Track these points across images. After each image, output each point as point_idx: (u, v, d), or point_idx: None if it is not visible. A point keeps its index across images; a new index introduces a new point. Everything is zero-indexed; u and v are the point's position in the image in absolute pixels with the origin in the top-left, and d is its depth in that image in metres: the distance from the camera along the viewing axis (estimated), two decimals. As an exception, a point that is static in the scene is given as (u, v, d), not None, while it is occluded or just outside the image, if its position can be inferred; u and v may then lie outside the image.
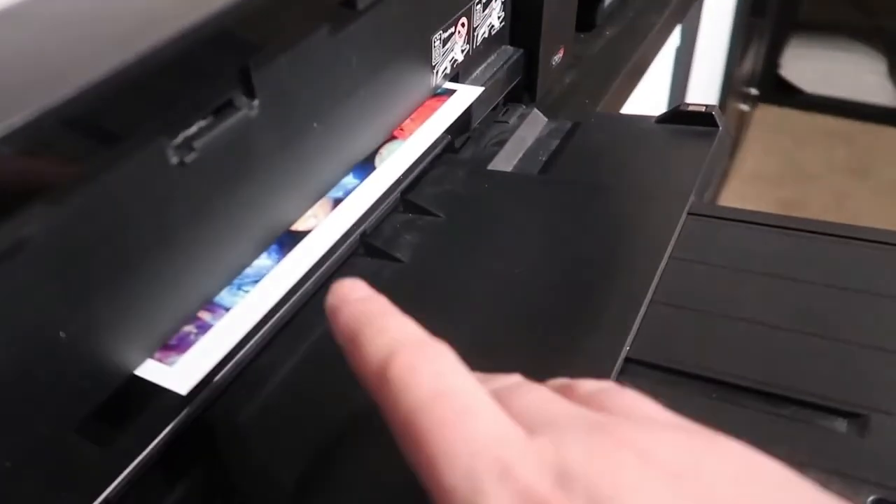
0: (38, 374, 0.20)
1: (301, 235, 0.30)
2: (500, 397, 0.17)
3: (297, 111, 0.27)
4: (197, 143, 0.23)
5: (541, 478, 0.15)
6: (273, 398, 0.27)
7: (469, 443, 0.15)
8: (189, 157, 0.22)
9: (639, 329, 0.28)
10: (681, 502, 0.14)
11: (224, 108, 0.24)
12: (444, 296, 0.31)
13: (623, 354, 0.27)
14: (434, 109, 0.37)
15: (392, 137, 0.35)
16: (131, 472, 0.24)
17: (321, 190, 0.31)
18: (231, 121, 0.24)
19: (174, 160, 0.22)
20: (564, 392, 0.19)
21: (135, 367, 0.24)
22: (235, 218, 0.26)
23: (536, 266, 0.32)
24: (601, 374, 0.26)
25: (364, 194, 0.32)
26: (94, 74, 0.17)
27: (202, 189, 0.24)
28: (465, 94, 0.38)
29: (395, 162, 0.34)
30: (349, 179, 0.33)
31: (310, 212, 0.31)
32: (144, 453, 0.25)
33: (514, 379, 0.19)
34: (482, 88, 0.38)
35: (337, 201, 0.32)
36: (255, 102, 0.24)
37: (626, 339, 0.27)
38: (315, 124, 0.28)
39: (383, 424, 0.17)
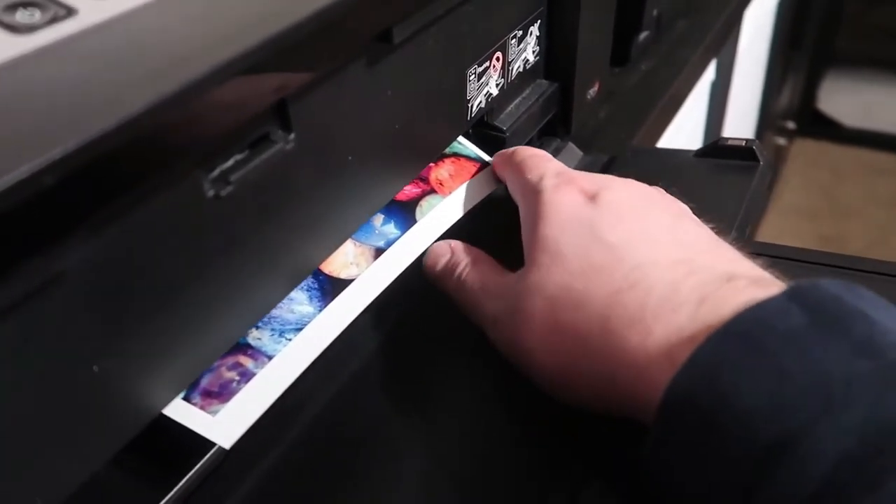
0: (71, 407, 0.20)
1: (343, 283, 0.30)
2: None
3: (332, 145, 0.27)
4: (233, 177, 0.23)
5: (578, 175, 0.29)
6: (305, 433, 0.27)
7: (543, 167, 0.31)
8: (225, 191, 0.22)
9: (681, 370, 0.27)
10: (640, 197, 0.28)
11: (260, 142, 0.24)
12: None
13: (664, 396, 0.26)
14: (471, 172, 0.37)
15: (432, 191, 0.35)
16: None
17: (356, 224, 0.31)
18: (267, 154, 0.24)
19: (210, 193, 0.22)
20: None
21: (170, 400, 0.24)
22: (270, 251, 0.26)
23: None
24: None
25: (408, 246, 0.32)
26: (132, 108, 0.17)
27: (238, 222, 0.24)
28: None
29: (440, 216, 0.34)
30: (391, 229, 0.32)
31: (350, 259, 0.31)
32: (179, 486, 0.25)
33: None
34: None
35: (378, 251, 0.31)
36: (292, 136, 0.24)
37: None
38: (350, 158, 0.28)
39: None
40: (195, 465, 0.25)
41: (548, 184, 0.29)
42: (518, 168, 0.32)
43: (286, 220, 0.26)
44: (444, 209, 0.34)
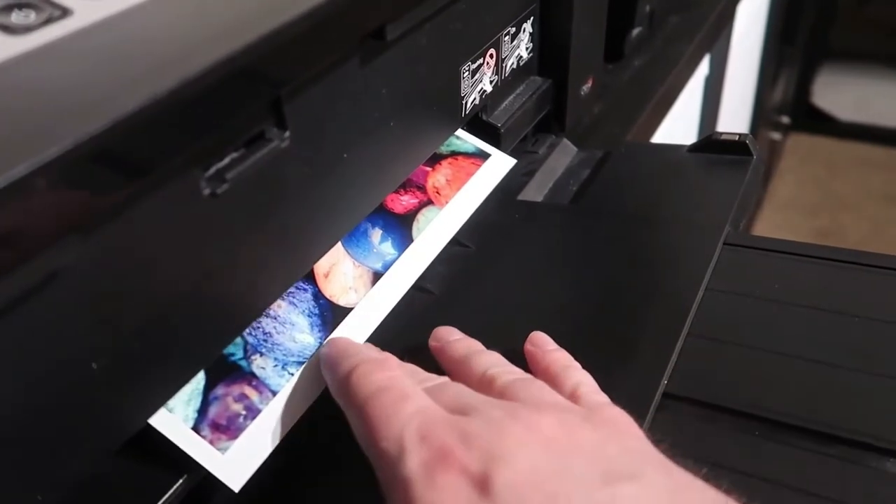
0: (70, 405, 0.20)
1: (342, 311, 0.30)
2: (430, 392, 0.23)
3: (327, 142, 0.27)
4: (229, 175, 0.23)
5: (450, 439, 0.20)
6: (304, 438, 0.27)
7: (401, 418, 0.21)
8: (221, 189, 0.22)
9: (676, 363, 0.27)
10: (549, 457, 0.19)
11: (256, 140, 0.24)
12: (474, 328, 0.31)
13: (660, 390, 0.26)
14: (469, 173, 0.37)
15: (429, 202, 0.35)
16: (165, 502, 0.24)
17: (352, 222, 0.31)
18: (263, 152, 0.24)
19: (206, 191, 0.22)
20: (484, 385, 0.24)
21: (167, 399, 0.24)
22: (267, 248, 0.26)
23: (569, 298, 0.31)
24: (638, 410, 0.25)
25: (406, 271, 0.32)
26: (127, 106, 0.17)
27: (234, 220, 0.24)
28: (500, 165, 0.38)
29: (435, 236, 0.34)
30: (388, 249, 0.32)
31: (350, 283, 0.31)
32: (177, 486, 0.25)
33: (443, 379, 0.25)
34: (515, 161, 0.39)
35: (376, 274, 0.31)
36: (287, 134, 0.25)
37: (664, 374, 0.26)
38: (346, 155, 0.28)
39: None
40: (194, 466, 0.25)
41: (414, 465, 0.20)
42: (359, 406, 0.22)
43: (283, 217, 0.26)
44: (438, 227, 0.34)
